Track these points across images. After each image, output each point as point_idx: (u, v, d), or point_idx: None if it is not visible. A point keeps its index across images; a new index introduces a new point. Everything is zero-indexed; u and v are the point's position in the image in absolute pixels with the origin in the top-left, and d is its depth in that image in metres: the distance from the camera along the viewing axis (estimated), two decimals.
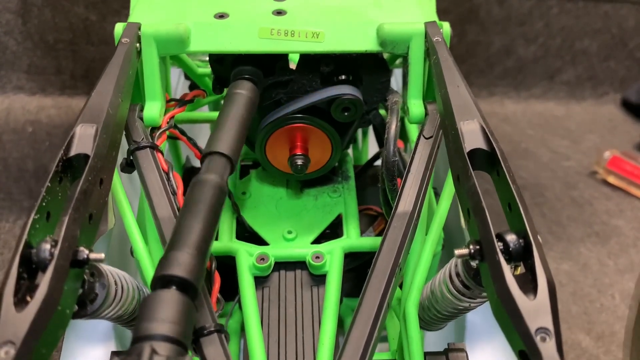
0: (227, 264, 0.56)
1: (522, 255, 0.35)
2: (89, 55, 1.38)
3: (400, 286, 0.53)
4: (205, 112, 0.82)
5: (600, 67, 1.59)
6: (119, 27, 0.54)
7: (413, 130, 0.68)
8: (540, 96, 1.59)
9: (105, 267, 0.43)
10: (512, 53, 1.56)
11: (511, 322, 0.32)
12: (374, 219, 0.67)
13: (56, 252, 0.34)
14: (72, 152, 0.41)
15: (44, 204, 0.37)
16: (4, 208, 1.10)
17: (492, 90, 1.58)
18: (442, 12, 1.63)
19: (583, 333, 0.96)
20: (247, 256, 0.56)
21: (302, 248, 0.58)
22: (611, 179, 1.29)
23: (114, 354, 0.46)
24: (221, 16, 0.56)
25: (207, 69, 0.73)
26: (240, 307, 0.56)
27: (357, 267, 0.62)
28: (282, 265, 0.57)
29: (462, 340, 0.67)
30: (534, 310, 0.32)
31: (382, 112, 0.65)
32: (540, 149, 1.41)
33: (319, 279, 0.56)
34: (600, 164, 1.30)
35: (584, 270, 1.08)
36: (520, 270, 0.36)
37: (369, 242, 0.59)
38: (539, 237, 0.35)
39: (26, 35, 1.34)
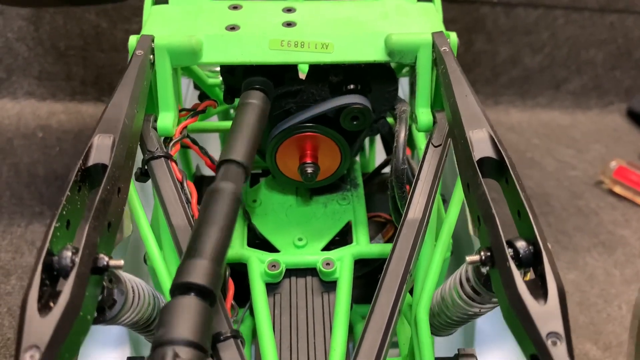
0: (238, 271, 0.57)
1: (532, 262, 0.36)
2: (100, 61, 1.39)
3: (411, 292, 0.54)
4: (214, 121, 0.83)
5: (605, 77, 1.60)
6: (132, 40, 0.55)
7: (420, 138, 0.68)
8: (546, 105, 1.60)
9: (123, 274, 0.44)
10: (518, 62, 1.57)
11: (522, 326, 0.33)
12: (383, 225, 0.68)
13: (77, 259, 0.34)
14: (90, 162, 0.42)
15: (64, 212, 0.37)
16: (15, 213, 1.11)
17: (498, 99, 1.59)
18: (450, 21, 1.65)
19: (590, 343, 0.97)
20: (258, 263, 0.57)
21: (312, 255, 0.59)
22: (617, 189, 1.29)
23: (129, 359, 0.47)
24: (232, 28, 0.57)
25: (217, 79, 0.74)
26: (251, 313, 0.56)
27: (367, 273, 0.63)
28: (293, 272, 0.58)
29: (471, 346, 0.67)
30: (545, 315, 0.32)
31: (389, 120, 0.66)
32: (545, 158, 1.42)
33: (330, 286, 0.57)
34: (606, 173, 1.31)
35: (591, 280, 1.09)
36: (530, 276, 0.37)
37: (378, 248, 0.60)
38: (548, 243, 0.36)
39: (37, 42, 1.35)
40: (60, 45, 1.37)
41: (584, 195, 1.30)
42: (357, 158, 0.87)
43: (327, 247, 0.61)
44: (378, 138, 0.85)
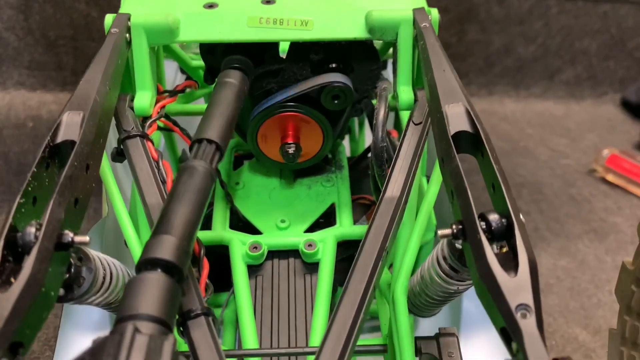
0: (223, 254, 0.57)
1: (504, 235, 0.35)
2: (90, 51, 1.39)
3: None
4: (200, 104, 0.83)
5: (599, 67, 1.59)
6: (108, 18, 0.55)
7: (406, 117, 0.68)
8: (540, 95, 1.59)
9: (94, 253, 0.43)
10: (511, 52, 1.56)
11: (492, 299, 0.32)
12: (368, 207, 0.67)
13: (40, 234, 0.34)
14: (59, 139, 0.42)
15: (29, 188, 0.37)
16: (4, 202, 1.11)
17: (492, 89, 1.58)
18: (442, 10, 1.64)
19: (580, 327, 0.96)
20: (240, 245, 0.56)
21: (295, 237, 0.58)
22: (610, 177, 1.29)
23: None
24: (210, 6, 0.57)
25: (201, 62, 0.74)
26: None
27: (351, 256, 0.62)
28: (276, 254, 0.57)
29: (458, 326, 0.67)
30: (515, 287, 0.32)
31: (374, 101, 0.66)
32: (539, 147, 1.41)
33: (312, 267, 0.57)
34: (598, 161, 1.30)
35: (582, 267, 1.08)
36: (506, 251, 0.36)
37: (361, 230, 0.59)
38: (521, 216, 0.35)
39: (27, 31, 1.35)
40: (50, 35, 1.36)
41: (577, 183, 1.30)
42: (346, 141, 0.87)
43: (311, 229, 0.60)
44: (367, 120, 0.85)
